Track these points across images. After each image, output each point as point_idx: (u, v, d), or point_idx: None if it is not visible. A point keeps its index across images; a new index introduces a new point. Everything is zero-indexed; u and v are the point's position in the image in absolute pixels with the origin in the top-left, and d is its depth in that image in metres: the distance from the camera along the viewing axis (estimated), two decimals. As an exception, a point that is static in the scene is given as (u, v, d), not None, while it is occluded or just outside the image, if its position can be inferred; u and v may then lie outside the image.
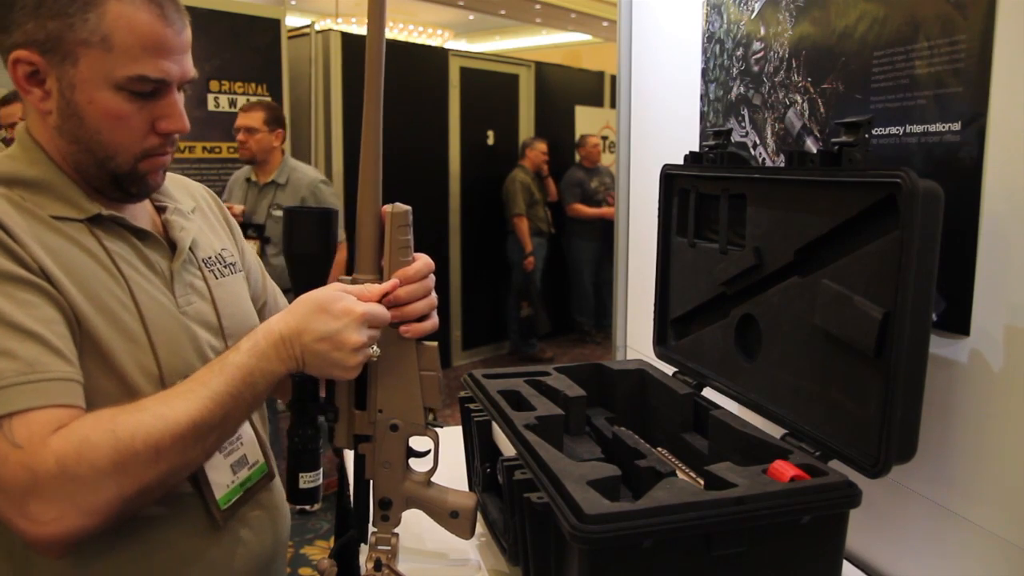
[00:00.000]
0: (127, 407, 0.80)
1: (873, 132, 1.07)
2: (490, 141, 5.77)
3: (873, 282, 0.93)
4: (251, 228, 3.18)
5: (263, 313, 1.15)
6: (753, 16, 1.39)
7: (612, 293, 2.14)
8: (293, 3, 8.41)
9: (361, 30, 8.44)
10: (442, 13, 8.99)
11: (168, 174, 0.99)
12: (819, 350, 1.02)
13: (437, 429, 1.01)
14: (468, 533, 1.05)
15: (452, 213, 5.52)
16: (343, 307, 0.88)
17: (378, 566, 0.99)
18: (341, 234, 3.20)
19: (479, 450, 1.18)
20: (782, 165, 1.32)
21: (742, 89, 1.43)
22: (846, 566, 1.00)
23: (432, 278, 0.98)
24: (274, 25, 4.18)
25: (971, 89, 0.95)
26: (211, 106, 3.94)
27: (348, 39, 4.64)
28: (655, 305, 1.43)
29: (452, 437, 1.05)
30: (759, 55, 1.37)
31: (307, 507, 0.98)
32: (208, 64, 3.85)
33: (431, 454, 1.02)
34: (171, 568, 0.92)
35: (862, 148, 0.96)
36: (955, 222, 0.92)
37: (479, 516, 1.10)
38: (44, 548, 0.77)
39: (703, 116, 1.58)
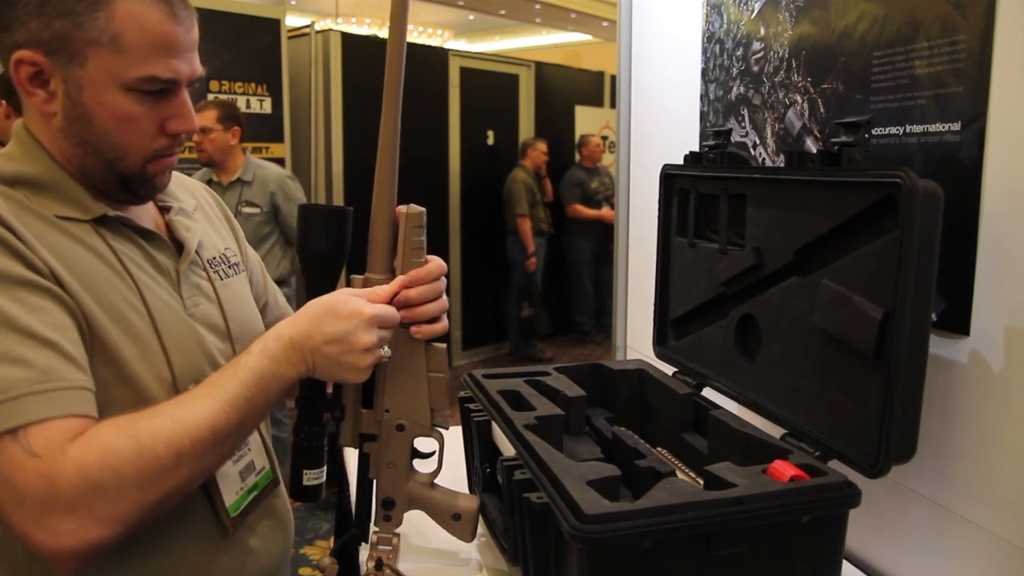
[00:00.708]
0: (145, 413, 0.78)
1: (873, 132, 1.07)
2: (490, 141, 5.77)
3: (873, 282, 0.93)
4: None
5: (264, 313, 1.15)
6: (753, 16, 1.39)
7: (612, 293, 2.14)
8: (293, 3, 8.41)
9: (361, 30, 8.46)
10: (442, 13, 8.99)
11: None
12: (819, 350, 1.02)
13: (442, 430, 1.01)
14: (469, 536, 1.05)
15: (452, 213, 5.52)
16: (352, 309, 0.87)
17: (379, 565, 1.00)
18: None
19: (479, 450, 1.18)
20: (782, 165, 1.32)
21: (742, 89, 1.43)
22: (846, 566, 1.00)
23: (444, 281, 0.98)
24: (274, 25, 4.18)
25: (971, 89, 0.95)
26: (211, 106, 3.94)
27: (348, 39, 4.64)
28: (655, 305, 1.43)
29: (452, 437, 1.05)
30: (759, 55, 1.38)
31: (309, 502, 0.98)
32: (208, 64, 3.84)
33: (435, 455, 1.02)
34: None
35: (862, 148, 0.96)
36: (955, 222, 0.92)
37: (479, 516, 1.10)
38: (61, 561, 0.73)
39: (703, 116, 1.58)
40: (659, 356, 1.41)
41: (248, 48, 4.05)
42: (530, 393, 1.20)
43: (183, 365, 0.89)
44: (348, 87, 4.58)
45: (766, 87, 1.36)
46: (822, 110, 1.21)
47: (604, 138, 6.26)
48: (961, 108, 0.96)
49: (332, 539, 1.01)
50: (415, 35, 9.60)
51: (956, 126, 0.97)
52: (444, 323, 0.98)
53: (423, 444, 1.03)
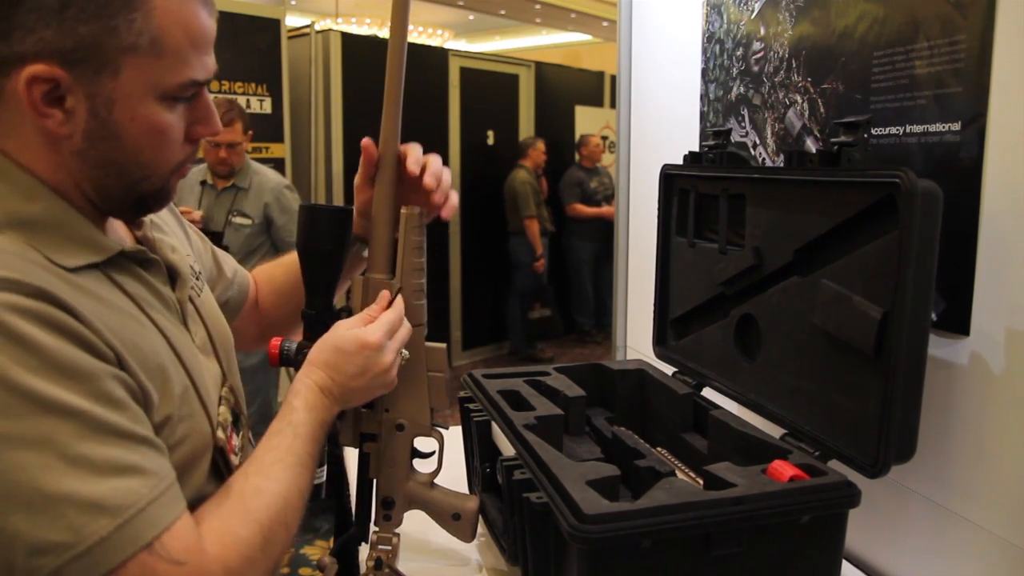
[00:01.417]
0: (247, 491, 0.75)
1: (873, 132, 1.07)
2: (490, 141, 5.78)
3: (872, 282, 0.93)
4: (208, 236, 3.04)
5: (234, 294, 1.11)
6: (753, 16, 1.39)
7: (612, 293, 2.14)
8: (293, 3, 8.41)
9: (361, 30, 8.46)
10: (442, 13, 8.99)
11: None
12: (818, 350, 1.02)
13: (442, 431, 1.01)
14: (469, 536, 1.05)
15: (452, 213, 5.52)
16: (358, 343, 0.88)
17: (379, 565, 1.00)
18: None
19: (479, 450, 1.18)
20: (782, 165, 1.32)
21: (742, 89, 1.43)
22: (846, 566, 1.01)
23: (437, 159, 0.99)
24: (274, 25, 4.18)
25: (971, 89, 0.95)
26: (211, 106, 3.94)
27: (348, 39, 4.64)
28: (655, 305, 1.43)
29: (452, 437, 1.05)
30: (759, 55, 1.37)
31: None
32: (208, 64, 3.85)
33: (435, 455, 1.02)
34: None
35: (862, 148, 0.96)
36: (955, 222, 0.92)
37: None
38: None
39: (703, 116, 1.58)
40: (659, 356, 1.41)
41: (248, 48, 4.05)
42: (530, 393, 1.20)
43: (212, 410, 0.85)
44: (348, 87, 4.58)
45: (766, 87, 1.36)
46: (822, 110, 1.21)
47: (604, 138, 6.26)
48: (961, 108, 0.96)
49: (332, 539, 1.00)
50: (415, 35, 9.59)
51: (956, 126, 0.97)
52: (452, 204, 1.01)
53: (423, 444, 1.03)
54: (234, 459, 0.87)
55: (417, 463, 1.03)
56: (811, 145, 1.25)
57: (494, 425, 1.13)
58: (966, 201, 0.95)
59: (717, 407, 1.17)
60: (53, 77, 0.68)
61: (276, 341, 0.95)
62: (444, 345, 0.99)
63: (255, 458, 0.80)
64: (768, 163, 1.37)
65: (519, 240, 5.61)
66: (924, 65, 1.01)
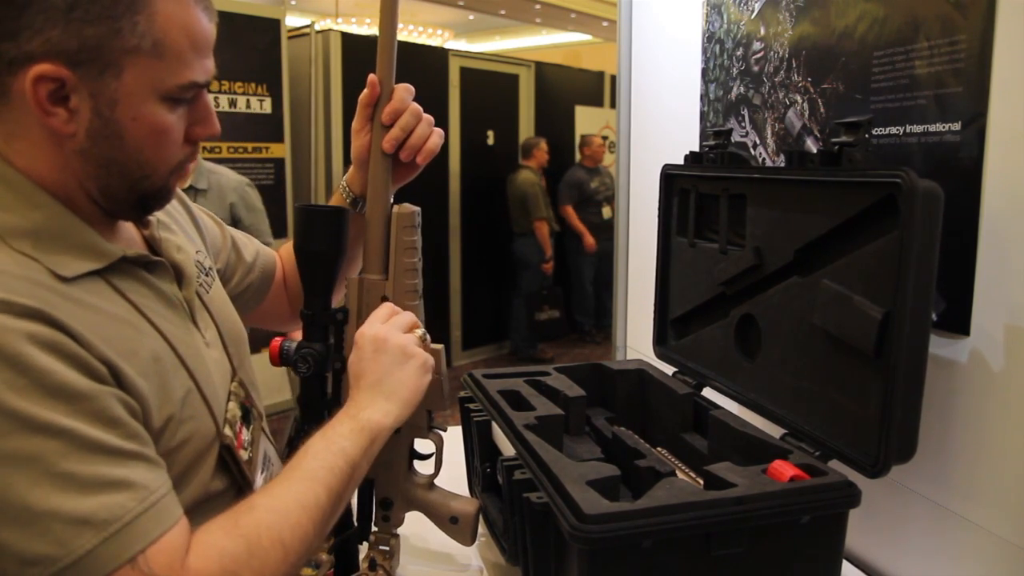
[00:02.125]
0: (241, 504, 0.75)
1: (873, 132, 1.07)
2: (490, 141, 5.78)
3: (873, 282, 0.93)
4: None
5: (257, 277, 1.12)
6: (753, 16, 1.39)
7: (612, 293, 2.14)
8: (293, 3, 8.41)
9: (361, 30, 8.46)
10: (442, 13, 8.99)
11: None
12: (819, 350, 1.02)
13: (441, 432, 1.01)
14: (469, 540, 1.04)
15: (452, 213, 5.52)
16: (360, 337, 0.91)
17: (372, 566, 0.99)
18: None
19: (479, 450, 1.18)
20: (782, 165, 1.32)
21: (742, 89, 1.43)
22: (846, 566, 1.01)
23: (421, 111, 0.99)
24: (274, 25, 4.19)
25: (971, 89, 0.95)
26: (211, 106, 3.94)
27: (348, 39, 4.64)
28: (655, 305, 1.43)
29: (452, 437, 1.05)
30: (759, 55, 1.37)
31: None
32: (208, 64, 3.85)
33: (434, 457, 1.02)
34: None
35: (862, 148, 0.96)
36: (955, 222, 0.92)
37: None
38: None
39: (703, 116, 1.58)
40: (659, 356, 1.41)
41: (248, 48, 4.06)
42: (530, 393, 1.20)
43: (218, 408, 0.85)
44: (348, 87, 4.58)
45: (766, 87, 1.36)
46: (822, 110, 1.21)
47: (604, 138, 6.27)
48: (961, 108, 0.96)
49: (331, 539, 1.00)
50: (415, 35, 9.60)
51: (956, 126, 0.97)
52: (437, 135, 1.01)
53: (424, 445, 1.02)
54: (243, 454, 0.87)
55: (419, 464, 1.03)
56: (811, 145, 1.25)
57: (494, 425, 1.12)
58: (966, 201, 0.95)
59: (717, 407, 1.17)
60: (59, 76, 0.69)
61: (276, 341, 0.96)
62: (441, 346, 0.99)
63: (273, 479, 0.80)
64: (768, 163, 1.37)
65: (527, 241, 5.60)
66: (924, 65, 1.01)
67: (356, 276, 0.99)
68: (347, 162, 1.04)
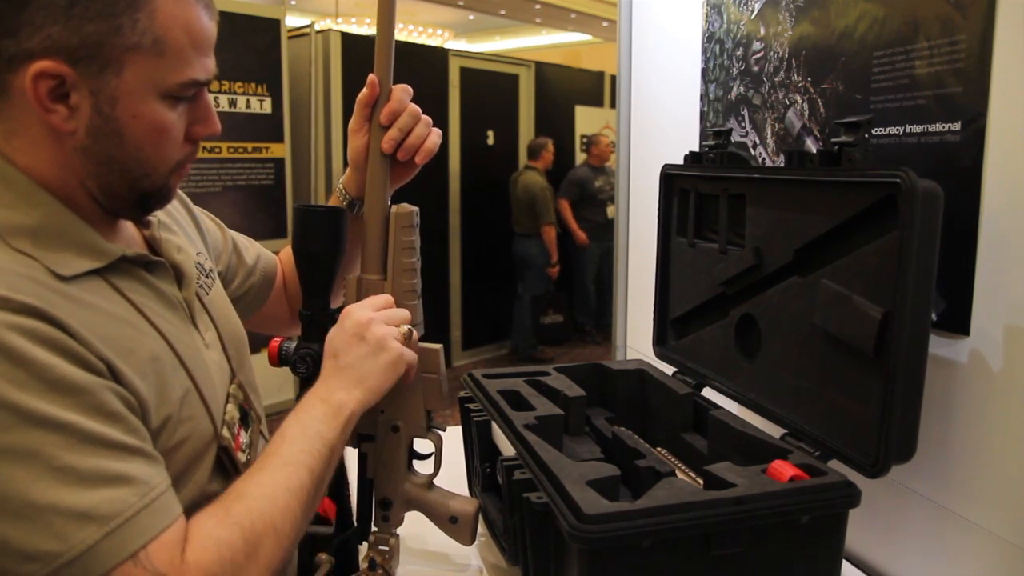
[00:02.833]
0: (229, 493, 0.75)
1: (873, 132, 1.07)
2: (490, 141, 5.78)
3: (873, 282, 0.93)
4: None
5: (258, 280, 1.12)
6: (753, 16, 1.39)
7: (612, 293, 2.14)
8: (293, 3, 8.42)
9: (361, 30, 8.47)
10: (442, 13, 9.00)
11: None
12: (819, 350, 1.02)
13: (440, 432, 1.01)
14: (468, 540, 1.04)
15: (452, 213, 5.52)
16: (343, 315, 0.90)
17: (372, 566, 0.99)
18: None
19: (479, 450, 1.18)
20: (782, 165, 1.32)
21: (742, 89, 1.43)
22: (846, 566, 1.01)
23: (419, 111, 0.99)
24: (274, 25, 4.18)
25: (971, 89, 0.95)
26: (211, 106, 3.95)
27: (348, 39, 4.64)
28: (655, 305, 1.43)
29: (452, 437, 1.05)
30: (759, 55, 1.37)
31: None
32: (208, 64, 3.85)
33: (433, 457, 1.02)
34: None
35: (862, 148, 0.96)
36: (955, 222, 0.92)
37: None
38: None
39: (703, 116, 1.58)
40: (659, 356, 1.41)
41: (248, 48, 4.06)
42: (530, 393, 1.20)
43: (216, 409, 0.85)
44: (348, 87, 4.58)
45: (766, 87, 1.36)
46: (822, 110, 1.21)
47: (608, 138, 6.29)
48: (961, 108, 0.96)
49: (331, 539, 1.00)
50: (415, 35, 9.60)
51: (956, 126, 0.97)
52: (436, 135, 1.01)
53: (424, 445, 1.02)
54: (241, 456, 0.87)
55: (418, 464, 1.03)
56: (811, 145, 1.25)
57: (494, 425, 1.12)
58: (966, 201, 0.95)
59: (717, 407, 1.17)
60: (59, 73, 0.69)
61: (276, 341, 0.95)
62: (440, 346, 0.99)
63: (252, 466, 0.80)
64: (768, 163, 1.37)
65: (533, 243, 5.60)
66: (924, 65, 1.01)
67: (354, 276, 0.98)
68: (347, 162, 1.03)
